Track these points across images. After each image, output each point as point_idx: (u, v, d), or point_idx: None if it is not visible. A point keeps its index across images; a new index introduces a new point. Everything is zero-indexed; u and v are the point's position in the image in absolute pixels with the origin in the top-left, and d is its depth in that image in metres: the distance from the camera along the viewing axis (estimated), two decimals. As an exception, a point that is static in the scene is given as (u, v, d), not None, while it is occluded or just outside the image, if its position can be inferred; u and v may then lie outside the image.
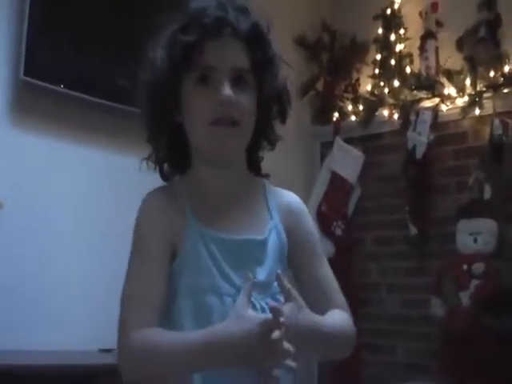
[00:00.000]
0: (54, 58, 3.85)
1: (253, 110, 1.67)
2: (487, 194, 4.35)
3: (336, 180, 5.01)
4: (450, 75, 4.63)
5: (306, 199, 5.11)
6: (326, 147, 5.21)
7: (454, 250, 4.36)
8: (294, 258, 1.76)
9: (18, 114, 3.85)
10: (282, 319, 1.44)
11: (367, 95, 5.04)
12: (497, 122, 4.36)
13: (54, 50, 3.86)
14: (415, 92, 4.79)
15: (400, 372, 4.49)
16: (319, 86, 5.32)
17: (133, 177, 4.31)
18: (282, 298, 1.59)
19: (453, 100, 4.62)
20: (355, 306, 4.83)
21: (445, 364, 4.27)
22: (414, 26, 4.91)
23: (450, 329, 4.23)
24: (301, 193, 4.96)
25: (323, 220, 4.97)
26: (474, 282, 4.22)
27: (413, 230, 4.67)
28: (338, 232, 4.93)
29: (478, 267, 4.24)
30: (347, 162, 5.01)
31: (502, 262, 4.26)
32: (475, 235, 4.30)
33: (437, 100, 4.68)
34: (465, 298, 4.21)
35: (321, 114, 5.28)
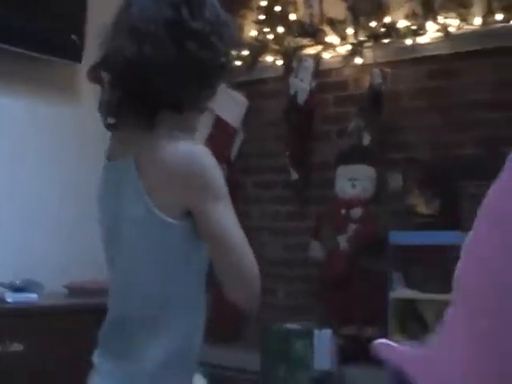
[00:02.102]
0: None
1: None
2: (366, 140, 4.36)
3: (219, 124, 4.90)
4: (333, 24, 4.57)
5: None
6: (210, 91, 5.07)
7: (334, 195, 4.36)
8: None
9: None
10: None
11: (251, 40, 4.92)
12: (376, 71, 4.35)
13: None
14: (298, 39, 4.72)
15: (281, 314, 4.49)
16: (203, 29, 5.15)
17: (57, 126, 4.16)
18: None
19: (335, 48, 4.58)
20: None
21: (324, 305, 4.30)
22: (298, -27, 4.81)
23: (328, 271, 4.25)
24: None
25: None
26: (352, 227, 4.25)
27: (294, 175, 4.64)
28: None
29: (356, 212, 4.27)
30: (231, 106, 4.90)
31: (379, 207, 4.30)
32: (353, 181, 4.31)
33: (319, 48, 4.62)
34: (343, 241, 4.24)
35: (205, 58, 5.13)
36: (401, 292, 3.84)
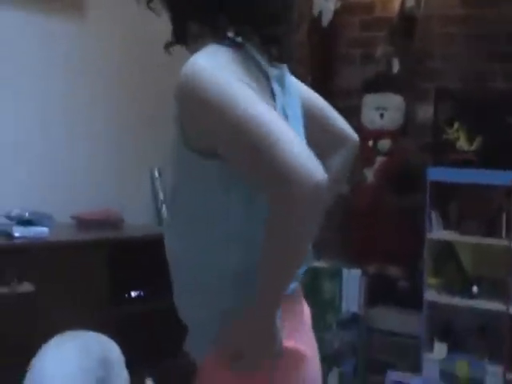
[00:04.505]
0: None
1: None
2: (395, 68, 3.77)
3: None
4: None
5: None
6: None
7: (360, 124, 3.76)
8: None
9: None
10: None
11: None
12: (410, -7, 3.72)
13: None
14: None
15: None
16: None
17: (62, 42, 3.45)
18: None
19: (364, -34, 3.92)
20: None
21: (348, 241, 3.76)
22: None
23: (354, 205, 3.70)
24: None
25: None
26: (379, 159, 3.69)
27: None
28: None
29: (384, 143, 3.72)
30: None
31: (407, 139, 3.74)
32: (381, 110, 3.74)
33: (346, -35, 3.96)
34: (369, 174, 3.69)
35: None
36: (438, 233, 3.31)
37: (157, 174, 3.67)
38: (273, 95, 1.26)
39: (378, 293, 3.58)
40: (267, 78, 1.26)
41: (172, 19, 1.31)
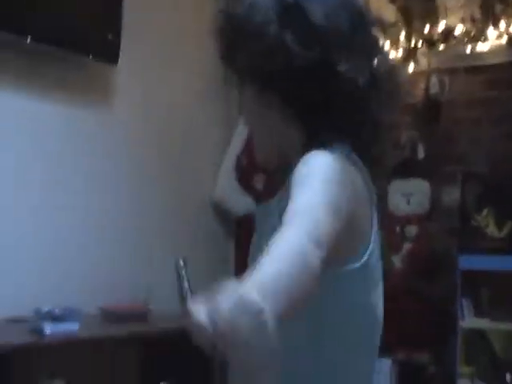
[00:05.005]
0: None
1: (251, 106, 1.28)
2: (420, 154, 3.77)
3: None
4: (383, 27, 3.95)
5: (224, 151, 4.33)
6: (246, 95, 4.42)
7: (386, 211, 3.74)
8: None
9: None
10: None
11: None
12: (434, 79, 3.76)
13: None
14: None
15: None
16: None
17: (88, 133, 3.51)
18: None
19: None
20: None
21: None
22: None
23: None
24: (218, 145, 4.05)
25: (243, 174, 4.23)
26: (407, 246, 3.66)
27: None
28: (259, 186, 4.22)
29: (411, 229, 3.69)
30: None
31: (434, 224, 3.71)
32: (408, 196, 3.72)
33: (369, 53, 4.00)
34: (397, 261, 3.65)
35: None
36: (470, 321, 3.25)
37: (182, 264, 3.65)
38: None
39: (407, 380, 3.50)
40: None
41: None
